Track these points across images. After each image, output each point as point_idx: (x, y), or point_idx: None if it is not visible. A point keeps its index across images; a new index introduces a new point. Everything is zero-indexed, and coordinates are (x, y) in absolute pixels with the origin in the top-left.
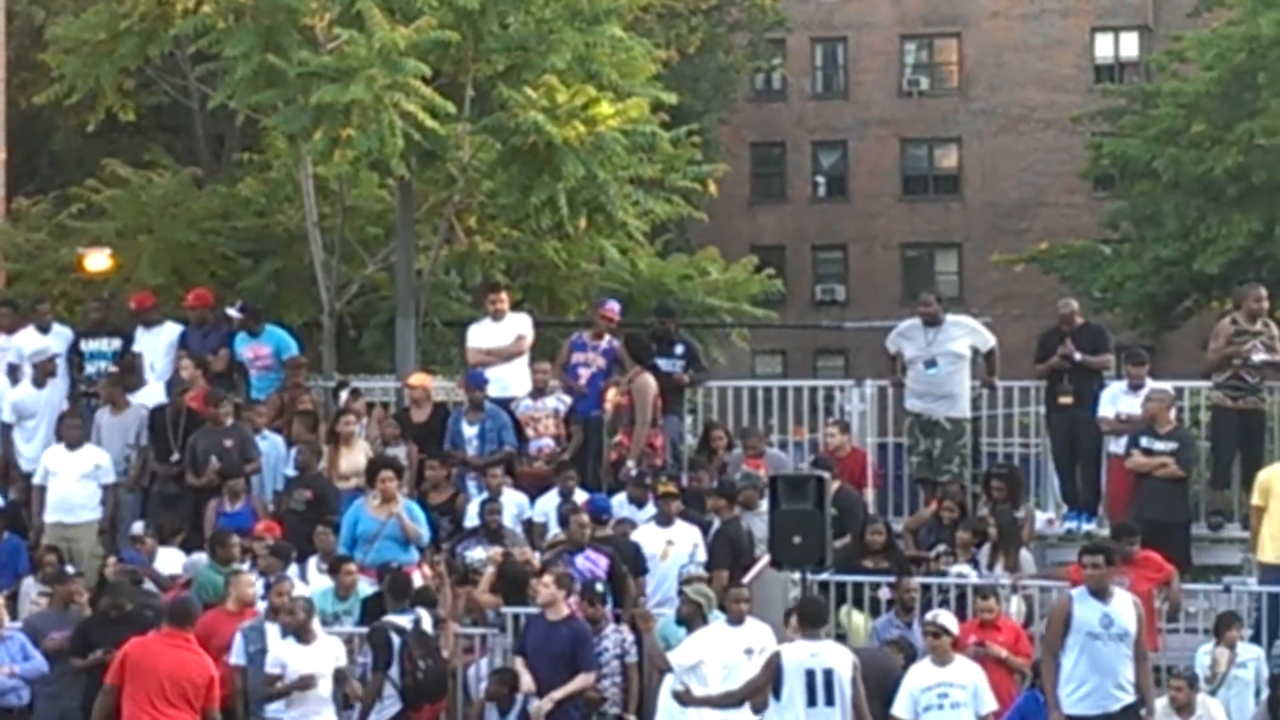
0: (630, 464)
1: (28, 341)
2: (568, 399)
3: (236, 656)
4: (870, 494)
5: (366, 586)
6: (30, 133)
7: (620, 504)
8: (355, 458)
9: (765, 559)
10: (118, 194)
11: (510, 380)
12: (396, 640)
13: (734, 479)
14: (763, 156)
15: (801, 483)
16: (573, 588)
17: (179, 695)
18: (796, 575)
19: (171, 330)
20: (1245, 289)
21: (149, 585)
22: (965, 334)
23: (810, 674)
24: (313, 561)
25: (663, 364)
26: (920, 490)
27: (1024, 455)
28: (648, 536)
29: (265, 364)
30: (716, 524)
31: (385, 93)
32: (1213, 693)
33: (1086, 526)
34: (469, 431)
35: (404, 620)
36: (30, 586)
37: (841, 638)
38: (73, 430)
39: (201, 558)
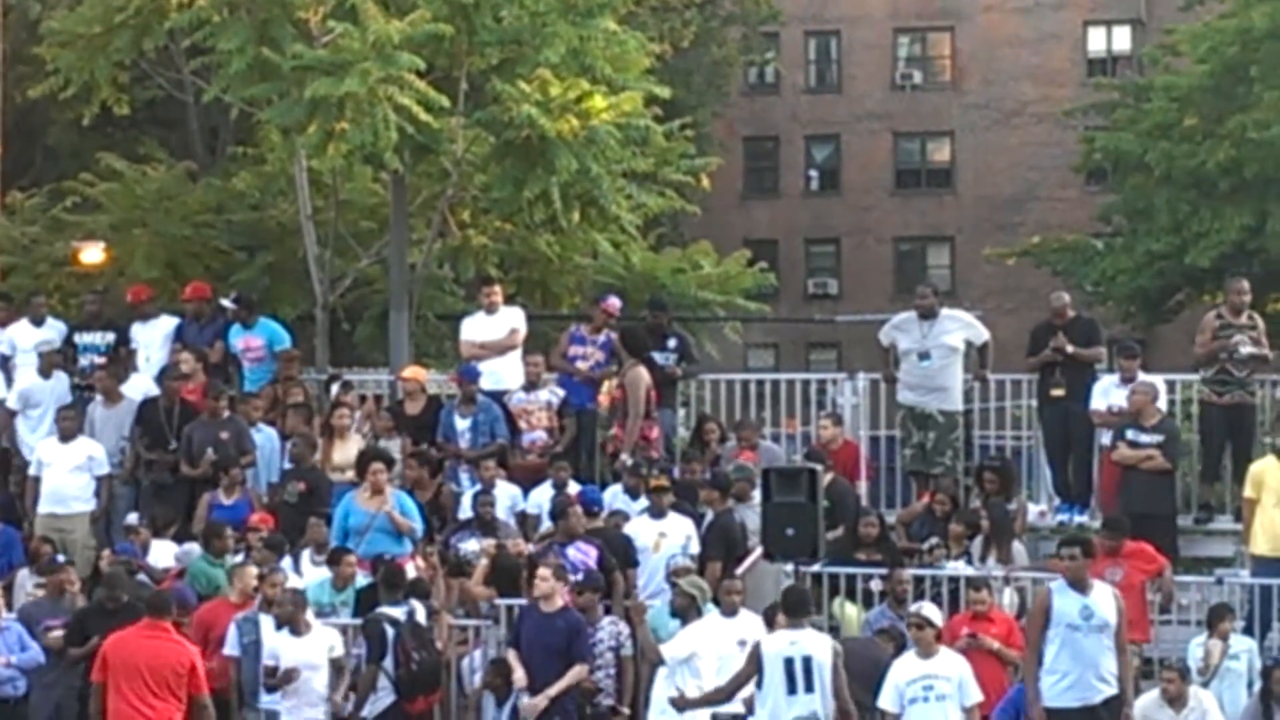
0: (625, 456)
1: (21, 335)
2: (560, 391)
3: (231, 647)
4: (863, 486)
5: (360, 578)
6: (25, 126)
7: (614, 496)
8: (349, 450)
9: (758, 551)
10: (112, 187)
11: (503, 373)
12: (390, 632)
13: (727, 471)
14: (756, 150)
15: (794, 475)
16: (567, 579)
17: (161, 684)
18: (789, 567)
19: (168, 323)
20: (1229, 282)
21: (142, 578)
22: (960, 327)
23: (789, 661)
24: (306, 553)
25: (656, 357)
26: (913, 483)
27: (1016, 448)
28: (640, 529)
29: (258, 356)
30: (709, 516)
31: (379, 86)
32: (1205, 684)
33: (1078, 519)
34: (462, 424)
35: (398, 612)
36: (25, 578)
37: (834, 630)
38: (66, 422)
39: (194, 548)
